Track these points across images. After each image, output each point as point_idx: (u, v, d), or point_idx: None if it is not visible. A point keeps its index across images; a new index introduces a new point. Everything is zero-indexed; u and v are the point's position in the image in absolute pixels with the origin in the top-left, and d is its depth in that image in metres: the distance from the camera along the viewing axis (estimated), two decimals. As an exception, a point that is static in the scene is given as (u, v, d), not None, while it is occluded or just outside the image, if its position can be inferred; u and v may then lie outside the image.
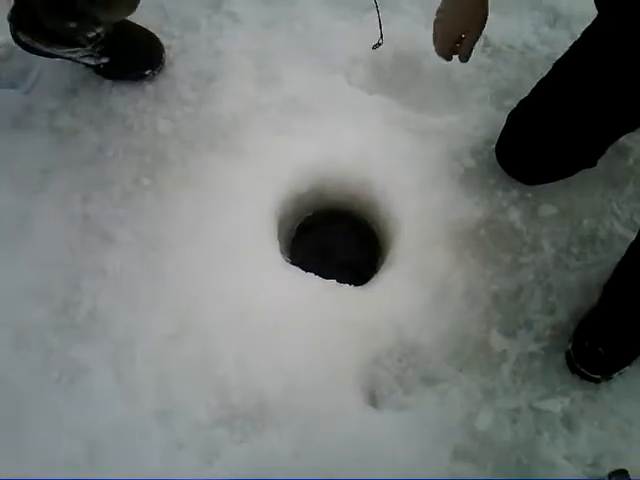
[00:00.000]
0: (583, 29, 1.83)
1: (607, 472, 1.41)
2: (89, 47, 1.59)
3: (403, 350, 1.52)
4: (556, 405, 1.48)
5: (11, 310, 1.54)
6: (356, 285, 1.62)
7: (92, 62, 1.68)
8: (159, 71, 1.77)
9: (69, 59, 1.66)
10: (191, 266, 1.57)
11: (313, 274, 1.58)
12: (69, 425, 1.44)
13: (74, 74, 1.77)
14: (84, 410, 1.46)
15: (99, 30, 1.55)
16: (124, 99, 1.75)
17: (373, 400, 1.50)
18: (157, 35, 1.78)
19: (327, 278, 1.60)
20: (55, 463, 1.41)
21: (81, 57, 1.64)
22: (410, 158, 1.68)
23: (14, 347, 1.51)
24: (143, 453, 1.42)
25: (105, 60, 1.68)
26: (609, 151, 1.70)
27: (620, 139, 1.72)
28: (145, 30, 1.77)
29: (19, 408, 1.46)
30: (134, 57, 1.73)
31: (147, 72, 1.75)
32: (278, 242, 1.61)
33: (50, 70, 1.78)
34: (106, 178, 1.66)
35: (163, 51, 1.77)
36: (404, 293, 1.56)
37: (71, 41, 1.55)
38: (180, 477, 1.40)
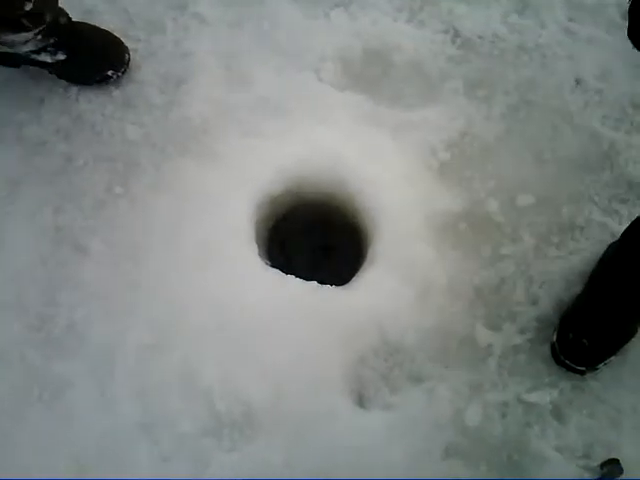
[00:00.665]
0: (552, 17, 1.82)
1: (599, 462, 1.39)
2: (37, 33, 1.50)
3: (388, 349, 1.49)
4: (544, 397, 1.45)
5: (-13, 328, 1.48)
6: (338, 285, 1.57)
7: (48, 59, 1.60)
8: (123, 73, 1.70)
9: (26, 59, 1.59)
10: (168, 274, 1.52)
11: (293, 276, 1.53)
12: (54, 442, 1.40)
13: (40, 83, 1.71)
14: (68, 426, 1.41)
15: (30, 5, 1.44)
16: (92, 106, 1.69)
17: (361, 401, 1.46)
18: (122, 39, 1.72)
19: (307, 278, 1.55)
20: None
21: (35, 51, 1.56)
22: (385, 154, 1.64)
23: (-7, 364, 1.46)
24: (131, 467, 1.38)
25: (62, 57, 1.60)
26: (584, 137, 1.69)
27: (592, 124, 1.70)
28: (104, 31, 1.70)
29: (1, 427, 1.41)
30: (94, 56, 1.66)
31: (110, 73, 1.68)
32: (256, 245, 1.56)
33: (16, 80, 1.71)
34: (77, 188, 1.61)
35: (127, 52, 1.70)
36: (386, 291, 1.52)
37: (13, 22, 1.45)
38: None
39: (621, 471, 1.36)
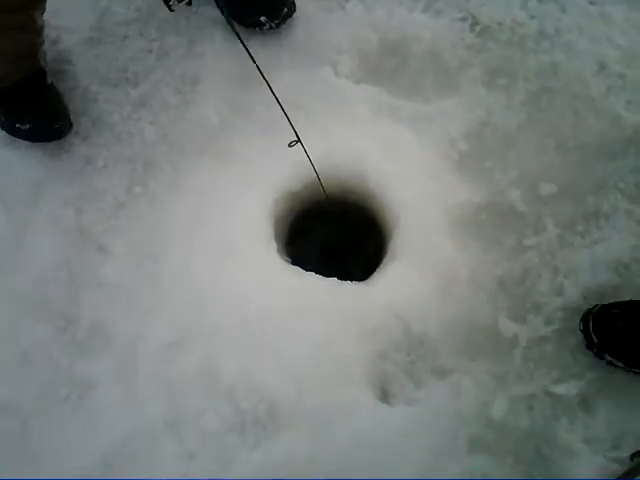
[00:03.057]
0: (572, 0, 1.80)
1: (628, 453, 1.39)
2: None
3: (411, 343, 1.50)
4: (571, 388, 1.45)
5: (14, 329, 1.53)
6: (360, 279, 1.59)
7: None
8: (277, 25, 1.76)
9: None
10: (188, 273, 1.54)
11: (314, 273, 1.55)
12: (81, 442, 1.43)
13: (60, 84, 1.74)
14: (94, 426, 1.45)
15: None
16: (110, 106, 1.72)
17: (384, 396, 1.48)
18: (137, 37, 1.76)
19: (329, 274, 1.57)
20: (69, 477, 1.39)
21: None
22: (403, 147, 1.65)
23: (21, 366, 1.50)
24: (156, 464, 1.41)
25: None
26: (607, 123, 1.68)
27: (615, 109, 1.69)
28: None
29: (30, 428, 1.45)
30: None
31: (263, 19, 1.73)
32: (275, 242, 1.58)
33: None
34: (98, 189, 1.64)
35: (289, 7, 1.76)
36: (407, 285, 1.53)
37: None
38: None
39: (652, 461, 1.36)
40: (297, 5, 1.79)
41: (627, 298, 1.52)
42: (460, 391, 1.45)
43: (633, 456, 1.39)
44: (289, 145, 1.40)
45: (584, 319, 1.48)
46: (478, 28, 1.79)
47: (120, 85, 1.73)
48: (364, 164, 1.62)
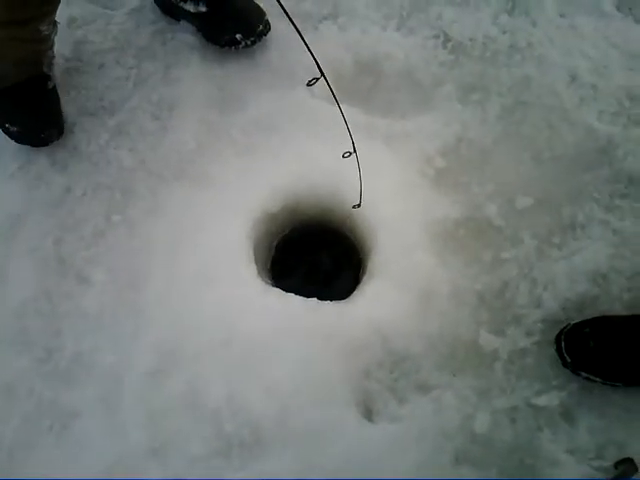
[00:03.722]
0: (542, 14, 1.84)
1: (612, 462, 1.41)
2: None
3: (393, 360, 1.52)
4: (553, 399, 1.46)
5: (-5, 362, 1.54)
6: (341, 298, 1.61)
7: (191, 8, 1.75)
8: (253, 43, 1.80)
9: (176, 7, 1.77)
10: (169, 298, 1.56)
11: (293, 294, 1.57)
12: (66, 471, 1.44)
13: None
14: (79, 455, 1.46)
15: None
16: (87, 136, 1.74)
17: (368, 414, 1.49)
18: (114, 65, 1.80)
19: (311, 295, 1.59)
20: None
21: None
22: (380, 165, 1.67)
23: (3, 398, 1.52)
24: (142, 492, 1.42)
25: (203, 9, 1.74)
26: (581, 134, 1.71)
27: (588, 120, 1.72)
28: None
29: (13, 460, 1.46)
30: (229, 17, 1.77)
31: (239, 37, 1.77)
32: (255, 264, 1.60)
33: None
34: (77, 218, 1.66)
35: (263, 25, 1.79)
36: (388, 302, 1.55)
37: None
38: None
39: (636, 469, 1.37)
40: (272, 27, 1.82)
41: (606, 307, 1.54)
42: (443, 406, 1.47)
43: (617, 464, 1.41)
44: (343, 156, 1.42)
45: (557, 339, 1.50)
46: (450, 45, 1.82)
47: (97, 114, 1.76)
48: (341, 183, 1.64)
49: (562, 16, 1.85)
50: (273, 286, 1.61)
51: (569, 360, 1.46)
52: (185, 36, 1.84)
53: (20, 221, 1.66)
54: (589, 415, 1.45)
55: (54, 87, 1.72)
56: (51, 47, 1.67)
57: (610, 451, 1.42)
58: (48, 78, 1.68)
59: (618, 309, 1.54)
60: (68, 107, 1.76)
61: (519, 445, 1.43)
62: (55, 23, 1.63)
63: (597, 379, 1.45)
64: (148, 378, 1.49)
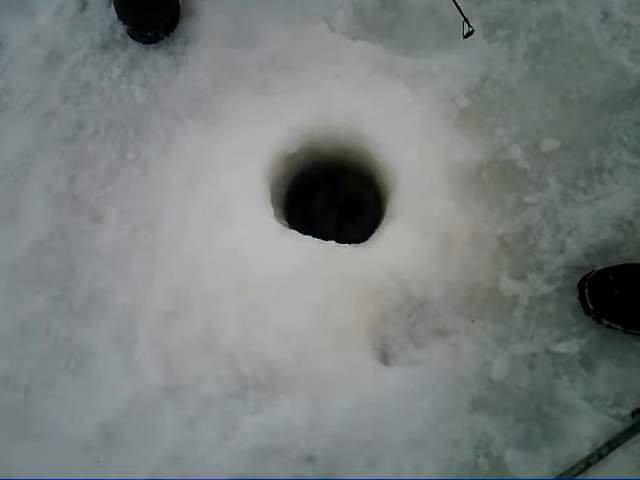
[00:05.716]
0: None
1: (630, 411, 1.40)
2: None
3: (411, 304, 1.50)
4: (573, 347, 1.45)
5: (11, 300, 1.55)
6: (359, 242, 1.58)
7: None
8: None
9: None
10: (184, 239, 1.54)
11: (311, 237, 1.55)
12: (82, 410, 1.46)
13: (45, 48, 1.71)
14: (94, 394, 1.47)
15: None
16: (98, 70, 1.69)
17: (385, 358, 1.49)
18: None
19: (328, 237, 1.57)
20: (72, 446, 1.44)
21: None
22: (401, 105, 1.62)
23: (19, 338, 1.53)
24: (157, 432, 1.43)
25: None
26: (611, 74, 1.64)
27: (620, 60, 1.65)
28: None
29: (30, 399, 1.48)
30: None
31: None
32: (272, 206, 1.57)
33: (20, 47, 1.73)
34: (90, 156, 1.64)
35: None
36: (407, 246, 1.52)
37: None
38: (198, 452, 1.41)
39: (654, 418, 1.38)
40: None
41: (630, 255, 1.51)
42: (461, 351, 1.46)
43: (634, 413, 1.40)
44: (464, 37, 1.36)
45: (580, 286, 1.48)
46: (478, -23, 1.74)
47: (109, 47, 1.71)
48: (361, 124, 1.60)
49: (596, -52, 1.76)
50: (290, 228, 1.58)
51: (592, 307, 1.44)
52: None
53: (32, 159, 1.64)
54: (608, 363, 1.44)
55: None
56: None
57: (628, 399, 1.41)
58: None
59: (642, 256, 1.51)
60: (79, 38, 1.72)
61: (536, 392, 1.43)
62: None
63: (619, 327, 1.43)
64: (163, 319, 1.49)
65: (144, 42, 1.70)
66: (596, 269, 1.48)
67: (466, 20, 1.26)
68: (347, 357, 1.46)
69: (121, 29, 1.71)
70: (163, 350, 1.47)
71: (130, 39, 1.71)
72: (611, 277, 1.44)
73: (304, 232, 1.57)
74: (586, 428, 1.40)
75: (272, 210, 1.57)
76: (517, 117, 1.62)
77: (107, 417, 1.43)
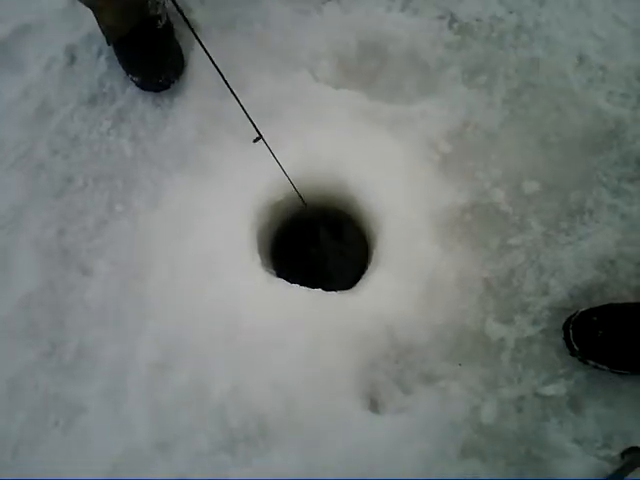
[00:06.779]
0: (550, -8, 1.75)
1: (619, 452, 1.38)
2: None
3: (398, 351, 1.48)
4: (560, 388, 1.43)
5: (0, 356, 1.52)
6: (349, 287, 1.57)
7: None
8: None
9: None
10: (172, 290, 1.52)
11: (298, 285, 1.53)
12: (72, 466, 1.42)
13: (34, 102, 1.71)
14: (85, 449, 1.44)
15: None
16: (87, 124, 1.68)
17: (374, 405, 1.46)
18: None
19: (317, 283, 1.55)
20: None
21: None
22: (384, 151, 1.61)
23: (8, 394, 1.50)
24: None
25: None
26: (589, 116, 1.65)
27: (597, 102, 1.66)
28: None
29: (20, 456, 1.44)
30: None
31: None
32: (258, 255, 1.55)
33: (11, 101, 1.72)
34: (79, 209, 1.62)
35: None
36: (392, 292, 1.50)
37: None
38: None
39: (643, 457, 1.36)
40: (274, 9, 1.76)
41: (614, 294, 1.50)
42: (449, 396, 1.43)
43: (624, 454, 1.38)
44: (254, 141, 1.36)
45: (565, 328, 1.47)
46: (456, 26, 1.74)
47: (97, 101, 1.70)
48: (344, 170, 1.59)
49: (570, -6, 1.77)
50: (277, 276, 1.57)
51: (577, 349, 1.43)
52: (189, 17, 1.74)
53: (22, 212, 1.62)
54: (596, 404, 1.42)
55: (166, 25, 1.69)
56: None
57: (617, 440, 1.39)
58: (157, 18, 1.65)
59: (626, 296, 1.50)
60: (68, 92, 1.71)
61: (526, 435, 1.40)
62: None
63: (605, 367, 1.41)
64: (152, 372, 1.46)
65: (156, 90, 1.70)
66: (580, 310, 1.46)
67: (254, 125, 1.33)
68: (337, 405, 1.43)
69: (109, 82, 1.70)
70: (153, 403, 1.44)
71: (136, 89, 1.72)
72: (595, 318, 1.43)
73: (293, 279, 1.56)
74: (576, 470, 1.37)
75: (259, 259, 1.55)
76: (498, 161, 1.61)
77: (97, 473, 1.39)
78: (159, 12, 1.64)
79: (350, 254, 1.75)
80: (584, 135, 1.63)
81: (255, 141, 1.35)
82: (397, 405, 1.44)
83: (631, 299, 1.49)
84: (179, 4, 1.72)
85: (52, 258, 1.57)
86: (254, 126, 1.33)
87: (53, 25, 1.75)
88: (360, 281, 1.57)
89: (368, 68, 1.72)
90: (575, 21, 1.73)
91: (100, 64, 1.73)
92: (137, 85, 1.69)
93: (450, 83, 1.69)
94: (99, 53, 1.74)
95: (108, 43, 1.67)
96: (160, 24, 1.65)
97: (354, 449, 1.40)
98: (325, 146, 1.61)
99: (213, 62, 1.21)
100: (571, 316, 1.47)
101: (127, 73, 1.68)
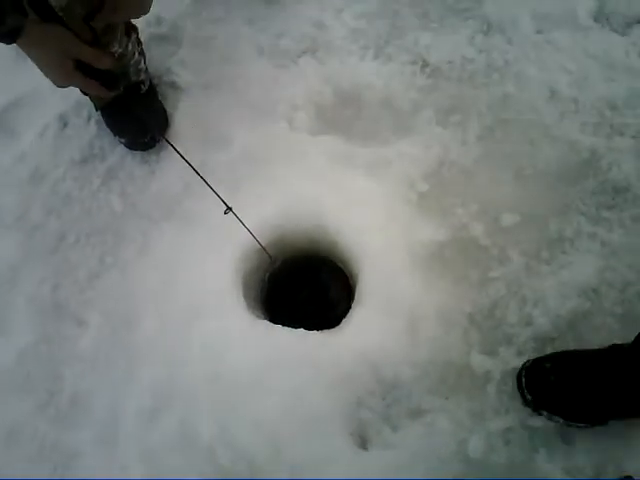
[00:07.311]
0: (518, 32, 1.80)
1: (612, 480, 1.35)
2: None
3: (384, 387, 1.46)
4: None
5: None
6: (332, 328, 1.57)
7: None
8: None
9: None
10: (161, 338, 1.54)
11: (281, 326, 1.54)
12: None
13: (29, 167, 1.78)
14: (81, 496, 1.44)
15: None
16: (78, 183, 1.75)
17: (362, 443, 1.44)
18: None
19: (308, 325, 1.56)
20: None
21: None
22: (362, 193, 1.63)
23: (7, 444, 1.52)
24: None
25: None
26: (564, 148, 1.66)
27: (570, 134, 1.67)
28: None
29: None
30: None
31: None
32: (244, 299, 1.57)
33: (7, 166, 1.81)
34: (72, 264, 1.67)
35: None
36: (375, 330, 1.50)
37: None
38: None
39: (636, 488, 1.31)
40: (254, 66, 1.83)
41: (599, 322, 1.48)
42: (436, 431, 1.41)
43: (620, 482, 1.34)
44: (224, 212, 1.40)
45: (518, 375, 1.42)
46: (428, 69, 1.79)
47: (88, 160, 1.77)
48: (324, 214, 1.61)
49: (538, 32, 1.80)
50: (265, 319, 1.58)
51: (529, 397, 1.38)
52: (171, 79, 1.85)
53: (18, 270, 1.67)
54: (585, 433, 1.38)
55: (149, 89, 1.77)
56: (133, 57, 1.68)
57: (609, 469, 1.35)
58: (141, 83, 1.73)
59: (611, 323, 1.48)
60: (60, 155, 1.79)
61: (515, 467, 1.37)
62: (130, 36, 1.65)
63: (559, 419, 1.36)
64: (142, 418, 1.47)
65: (143, 149, 1.77)
66: (533, 358, 1.43)
67: (222, 199, 1.38)
68: (325, 444, 1.42)
69: (99, 143, 1.78)
70: (143, 449, 1.44)
71: (125, 149, 1.79)
72: (548, 365, 1.38)
73: (282, 321, 1.57)
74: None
75: (244, 302, 1.57)
76: (475, 196, 1.63)
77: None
78: (142, 77, 1.72)
79: (334, 295, 1.76)
80: (559, 166, 1.64)
81: (225, 213, 1.40)
82: (385, 441, 1.42)
83: (616, 326, 1.47)
84: (161, 68, 1.84)
85: (46, 313, 1.62)
86: (222, 200, 1.39)
87: (45, 95, 1.84)
88: (343, 320, 1.57)
89: (344, 116, 1.77)
90: (544, 56, 1.77)
91: (90, 128, 1.80)
92: (125, 146, 1.76)
93: (424, 124, 1.72)
94: (89, 118, 1.81)
95: (96, 109, 1.74)
96: (144, 88, 1.72)
97: (344, 487, 1.38)
98: (305, 191, 1.64)
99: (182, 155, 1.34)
100: (524, 363, 1.44)
101: (114, 135, 1.75)
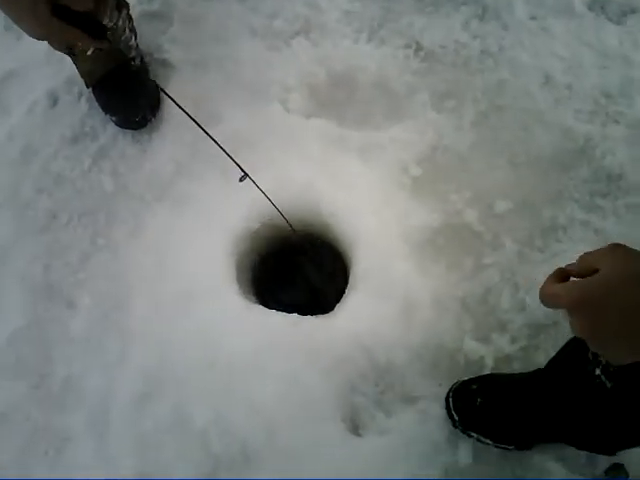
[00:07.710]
0: (513, 17, 1.66)
1: (603, 469, 1.24)
2: None
3: (378, 372, 1.35)
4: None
5: (-9, 391, 1.41)
6: (331, 311, 1.44)
7: None
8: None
9: None
10: (153, 321, 1.41)
11: (275, 311, 1.41)
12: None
13: (19, 144, 1.61)
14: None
15: None
16: (70, 162, 1.58)
17: (355, 428, 1.33)
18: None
19: (301, 309, 1.44)
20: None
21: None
22: (355, 177, 1.50)
23: (0, 427, 1.39)
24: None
25: None
26: (558, 135, 1.53)
27: (564, 120, 1.54)
28: None
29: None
30: None
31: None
32: (237, 283, 1.44)
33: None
34: (63, 244, 1.52)
35: None
36: (369, 314, 1.38)
37: None
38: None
39: (627, 476, 1.21)
40: (245, 46, 1.66)
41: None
42: (430, 417, 1.30)
43: (608, 471, 1.24)
44: (240, 180, 1.25)
45: (446, 397, 1.30)
46: (422, 53, 1.64)
47: (80, 140, 1.60)
48: (318, 197, 1.48)
49: (533, 18, 1.66)
50: (257, 303, 1.45)
51: (457, 418, 1.27)
52: (162, 56, 1.67)
53: (9, 250, 1.52)
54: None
55: (140, 66, 1.60)
56: (122, 34, 1.43)
57: (601, 458, 1.25)
58: (132, 60, 1.52)
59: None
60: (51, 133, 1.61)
61: (509, 455, 1.27)
62: (121, 11, 1.43)
63: (488, 441, 1.25)
64: (134, 402, 1.34)
65: (134, 128, 1.61)
66: (461, 379, 1.31)
67: (238, 165, 1.22)
68: (318, 429, 1.31)
69: (90, 121, 1.61)
70: (135, 434, 1.32)
71: (116, 128, 1.62)
72: (474, 386, 1.27)
73: (277, 305, 1.45)
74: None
75: (237, 287, 1.43)
76: (469, 182, 1.50)
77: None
78: (133, 54, 1.54)
79: (330, 278, 1.62)
80: (553, 153, 1.52)
81: (241, 180, 1.24)
82: (378, 427, 1.31)
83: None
84: (152, 45, 1.66)
85: (38, 294, 1.47)
86: (239, 166, 1.23)
87: (35, 70, 1.66)
88: (337, 304, 1.44)
89: (338, 98, 1.62)
90: (539, 43, 1.63)
91: (81, 105, 1.63)
92: (116, 124, 1.60)
93: (419, 109, 1.58)
94: (80, 95, 1.64)
95: (87, 86, 1.57)
96: (134, 66, 1.55)
97: (336, 472, 1.27)
98: (299, 173, 1.51)
99: (182, 108, 1.10)
100: (453, 384, 1.32)
101: (105, 113, 1.59)
